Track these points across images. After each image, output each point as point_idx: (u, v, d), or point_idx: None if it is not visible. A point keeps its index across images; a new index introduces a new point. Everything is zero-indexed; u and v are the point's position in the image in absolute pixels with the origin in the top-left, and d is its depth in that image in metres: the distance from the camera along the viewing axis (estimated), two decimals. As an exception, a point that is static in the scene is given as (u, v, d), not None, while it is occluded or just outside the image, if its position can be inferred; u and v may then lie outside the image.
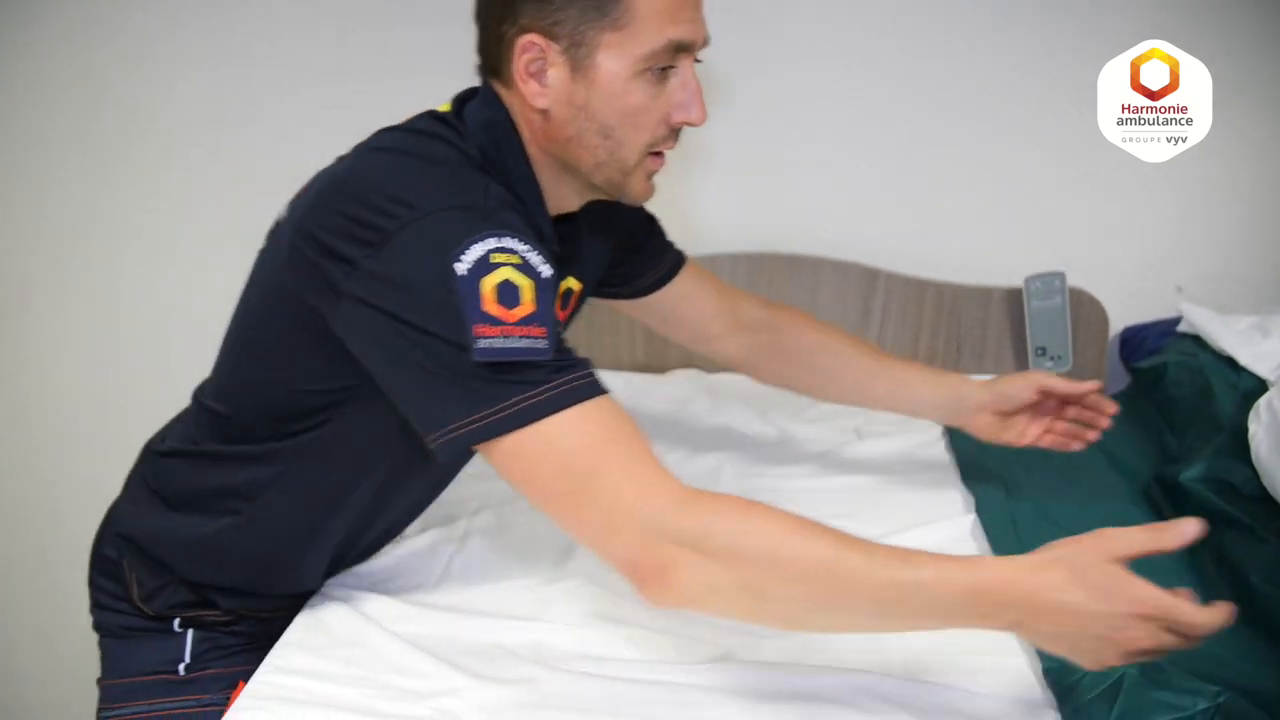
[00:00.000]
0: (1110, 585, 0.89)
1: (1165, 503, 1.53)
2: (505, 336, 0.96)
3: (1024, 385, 1.51)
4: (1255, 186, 2.04)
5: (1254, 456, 1.41)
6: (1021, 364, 2.07)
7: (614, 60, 1.08)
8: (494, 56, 1.13)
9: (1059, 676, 1.09)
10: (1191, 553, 1.35)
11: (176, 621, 1.27)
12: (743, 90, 2.02)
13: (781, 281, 2.08)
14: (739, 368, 1.62)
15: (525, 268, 0.99)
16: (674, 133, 1.15)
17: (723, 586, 0.96)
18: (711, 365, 1.96)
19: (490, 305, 0.97)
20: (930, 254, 2.09)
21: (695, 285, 1.54)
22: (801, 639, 1.18)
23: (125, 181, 2.18)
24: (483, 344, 0.96)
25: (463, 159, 1.11)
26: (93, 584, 1.33)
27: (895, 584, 0.93)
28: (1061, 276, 2.02)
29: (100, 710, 1.29)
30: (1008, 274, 2.06)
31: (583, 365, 1.01)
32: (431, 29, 1.83)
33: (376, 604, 1.26)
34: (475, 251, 0.98)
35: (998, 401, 1.52)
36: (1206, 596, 0.91)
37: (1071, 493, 1.58)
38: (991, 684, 1.11)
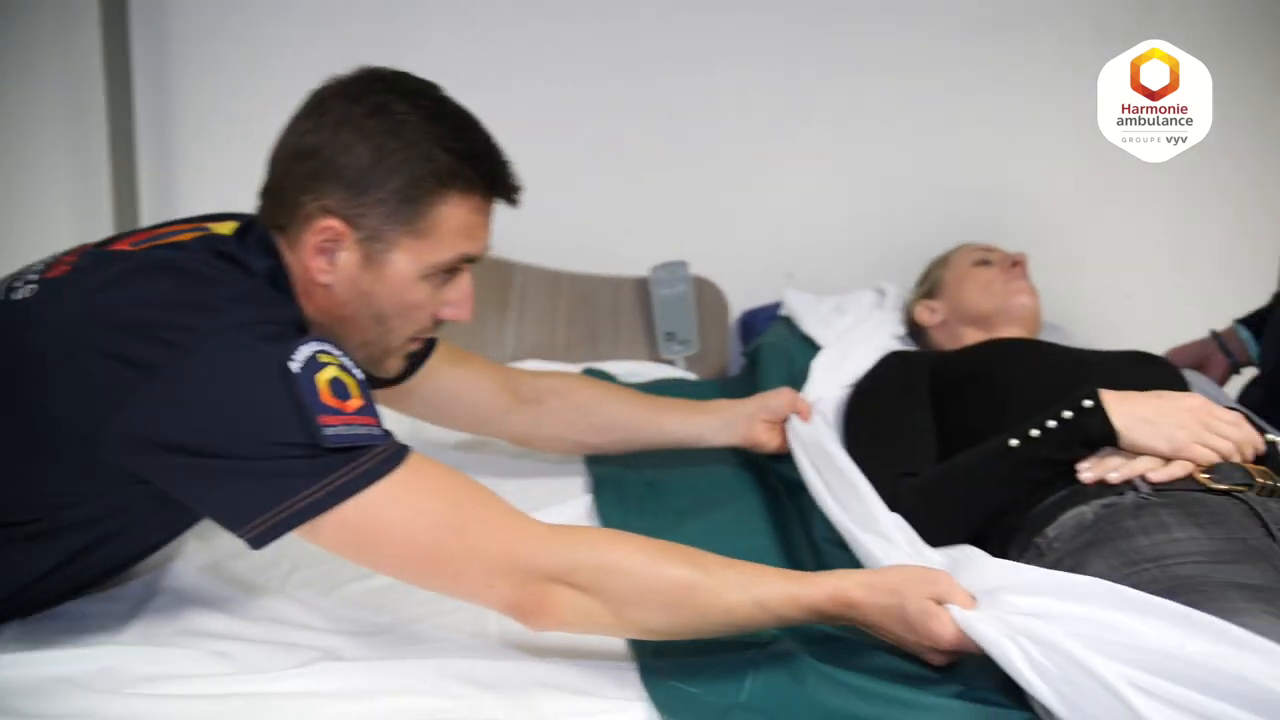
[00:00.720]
0: (922, 622, 1.09)
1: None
2: (347, 425, 1.05)
3: (784, 399, 1.65)
4: (851, 180, 2.28)
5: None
6: (652, 349, 2.18)
7: (407, 262, 1.16)
8: (284, 216, 1.17)
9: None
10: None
11: None
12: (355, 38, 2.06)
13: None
14: (528, 442, 1.64)
15: (348, 367, 1.09)
16: (438, 324, 1.25)
17: (594, 612, 1.08)
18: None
19: (328, 396, 1.04)
20: (563, 246, 2.17)
21: (462, 366, 1.57)
22: (402, 633, 1.21)
23: None
24: (329, 431, 1.03)
25: (262, 278, 1.15)
26: None
27: (743, 605, 1.09)
28: (684, 265, 2.15)
29: None
30: (636, 264, 2.18)
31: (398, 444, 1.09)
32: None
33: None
34: (304, 352, 1.06)
35: (764, 412, 1.63)
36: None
37: (683, 463, 1.69)
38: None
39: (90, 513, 1.14)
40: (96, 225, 2.04)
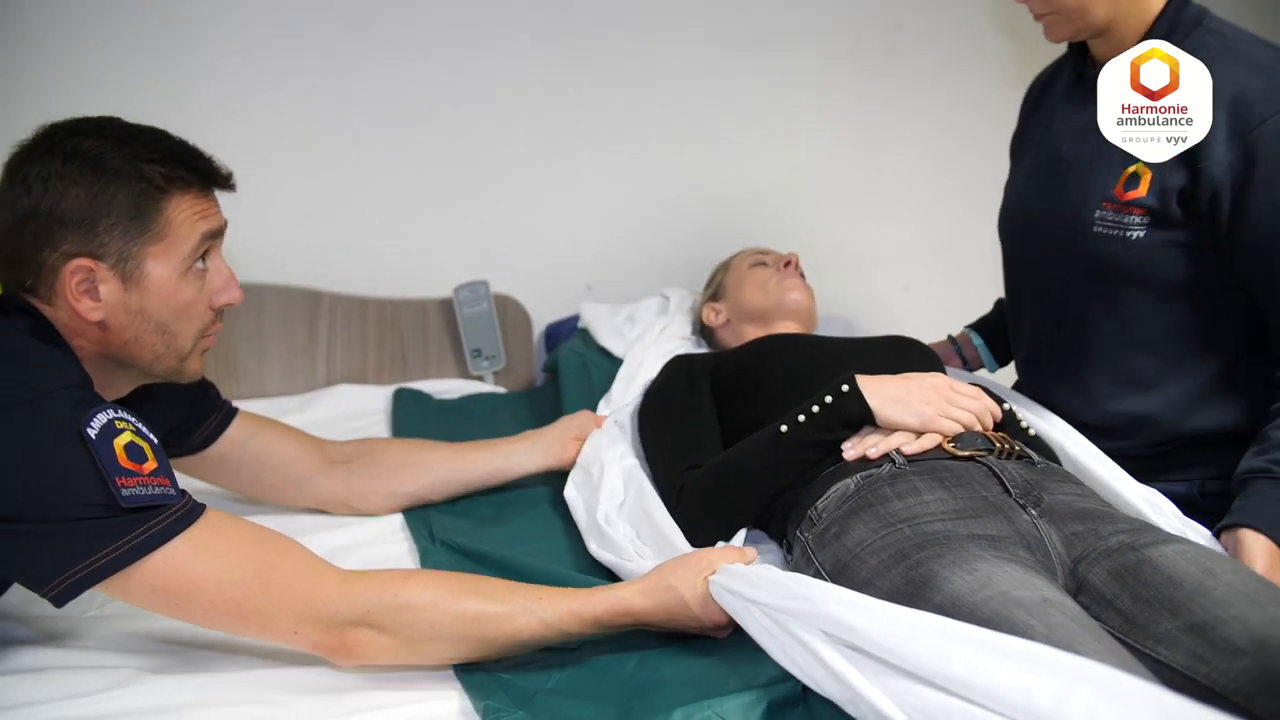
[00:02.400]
0: (701, 605, 1.22)
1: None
2: (143, 486, 1.11)
3: (586, 417, 1.76)
4: (640, 192, 2.40)
5: None
6: (461, 367, 2.26)
7: (163, 266, 1.23)
8: (29, 276, 1.22)
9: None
10: None
11: None
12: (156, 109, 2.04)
13: (226, 310, 2.10)
14: (342, 502, 1.66)
15: (142, 432, 1.15)
16: (218, 315, 1.32)
17: (393, 649, 1.18)
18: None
19: (124, 460, 1.10)
20: (367, 273, 2.22)
21: (268, 430, 1.62)
22: (219, 648, 1.27)
23: None
24: (126, 493, 1.09)
25: (40, 342, 1.20)
26: None
27: (529, 627, 1.20)
28: (486, 284, 2.23)
29: None
30: (440, 285, 2.25)
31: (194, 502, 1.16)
32: None
33: None
34: (100, 419, 1.11)
35: (568, 433, 1.73)
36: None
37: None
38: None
39: None
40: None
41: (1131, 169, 1.49)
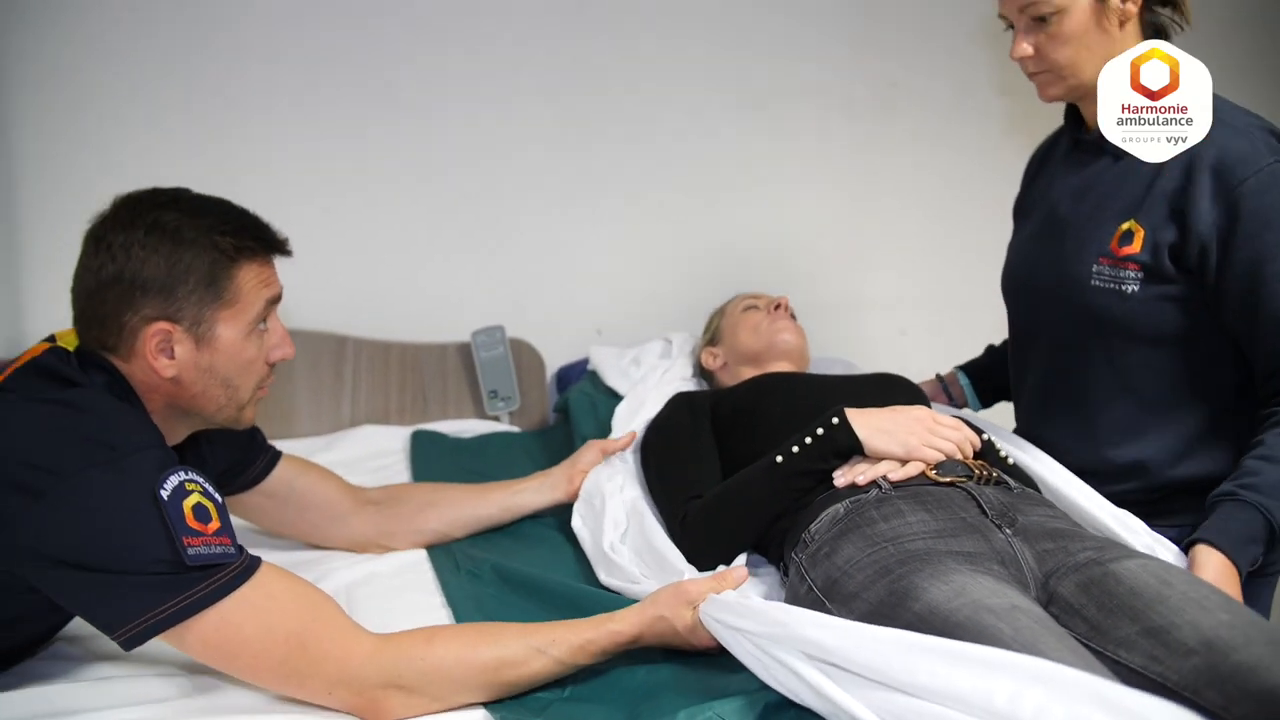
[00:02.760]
0: (690, 631, 1.33)
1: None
2: (206, 545, 1.20)
3: (593, 452, 1.88)
4: (646, 243, 2.53)
5: None
6: (479, 407, 2.38)
7: (231, 329, 1.35)
8: (111, 337, 1.33)
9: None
10: None
11: None
12: (199, 166, 2.17)
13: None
14: (373, 541, 1.77)
15: (210, 494, 1.24)
16: (273, 369, 1.43)
17: (422, 704, 1.27)
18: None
19: (191, 520, 1.20)
20: (391, 319, 2.35)
21: (308, 471, 1.74)
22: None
23: None
24: (191, 552, 1.18)
25: (117, 398, 1.30)
26: None
27: (545, 667, 1.30)
28: (502, 329, 2.35)
29: None
30: (458, 331, 2.38)
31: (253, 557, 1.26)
32: None
33: None
34: (173, 481, 1.21)
35: (576, 468, 1.86)
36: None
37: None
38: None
39: None
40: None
41: (1125, 226, 1.59)
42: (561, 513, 1.86)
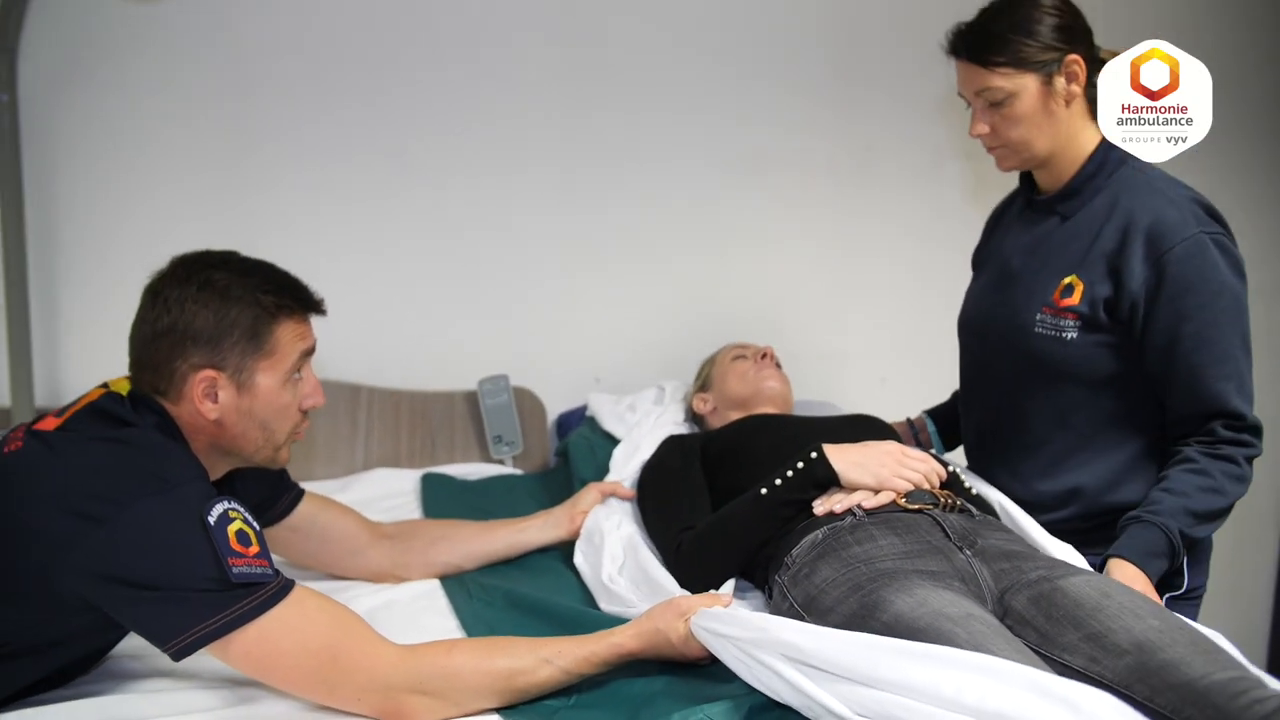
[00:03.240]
0: (683, 643, 1.46)
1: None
2: (249, 565, 1.34)
3: (593, 494, 2.02)
4: (642, 296, 2.69)
5: None
6: (484, 452, 2.52)
7: (270, 377, 1.49)
8: (162, 382, 1.47)
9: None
10: None
11: None
12: (232, 223, 2.32)
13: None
14: (389, 573, 1.90)
15: (249, 521, 1.37)
16: (306, 415, 1.57)
17: (441, 708, 1.39)
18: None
19: (235, 544, 1.34)
20: (401, 369, 2.50)
21: (329, 507, 1.87)
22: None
23: None
24: (236, 570, 1.32)
25: (166, 437, 1.43)
26: None
27: (552, 676, 1.44)
28: (506, 378, 2.50)
29: None
30: (465, 379, 2.53)
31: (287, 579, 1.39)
32: None
33: None
34: (218, 509, 1.35)
35: (577, 508, 2.00)
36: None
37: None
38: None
39: (48, 639, 1.40)
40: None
41: (1067, 280, 1.77)
42: (561, 549, 2.00)
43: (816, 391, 2.59)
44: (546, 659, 1.44)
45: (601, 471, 2.22)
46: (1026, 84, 1.72)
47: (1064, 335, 1.77)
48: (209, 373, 1.46)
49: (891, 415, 2.23)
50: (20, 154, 2.21)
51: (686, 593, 1.66)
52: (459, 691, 1.40)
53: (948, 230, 2.81)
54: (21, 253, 2.24)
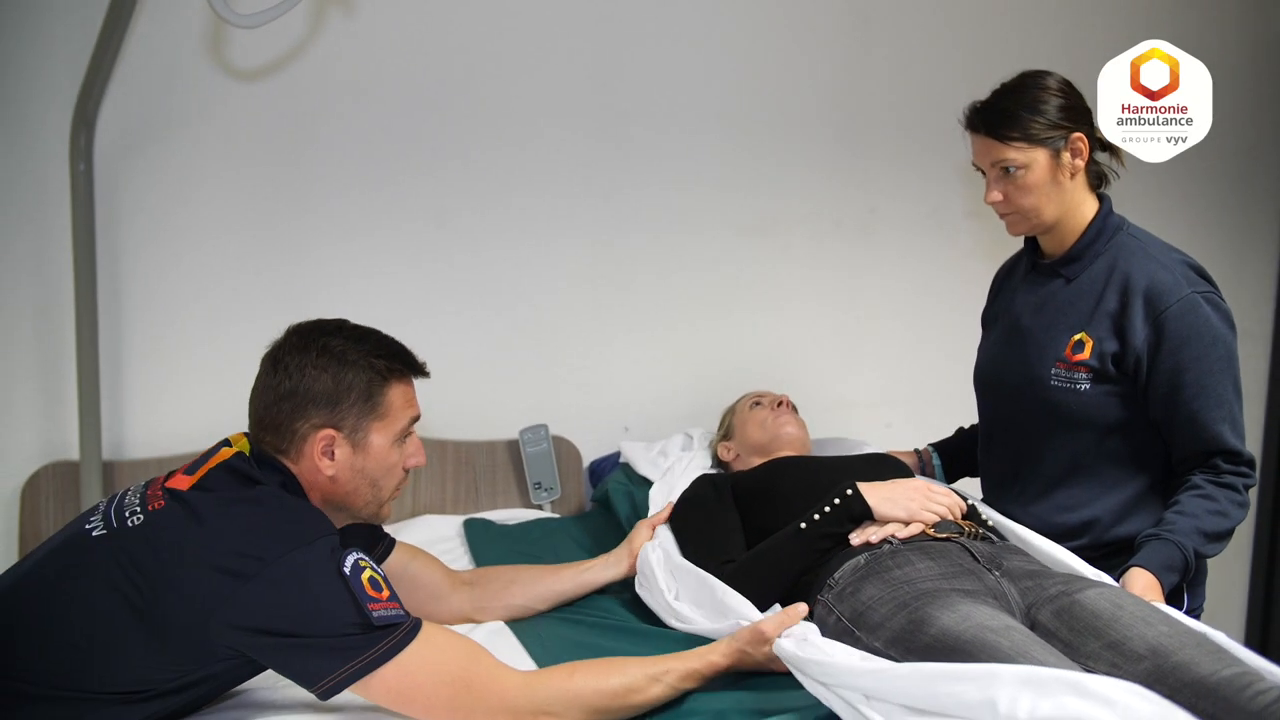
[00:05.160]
0: (767, 659, 1.61)
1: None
2: (385, 609, 1.45)
3: (645, 531, 2.13)
4: (668, 352, 2.86)
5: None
6: (524, 498, 2.67)
7: (381, 437, 1.61)
8: (284, 442, 1.58)
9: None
10: None
11: None
12: (293, 284, 2.48)
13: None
14: (468, 616, 1.99)
15: (376, 568, 1.48)
16: (408, 474, 1.68)
17: None
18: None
19: (369, 590, 1.45)
20: (447, 420, 2.64)
21: (418, 556, 1.97)
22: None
23: None
24: (377, 614, 1.43)
25: (290, 494, 1.55)
26: None
27: (663, 692, 1.57)
28: (545, 428, 2.65)
29: None
30: (506, 429, 2.68)
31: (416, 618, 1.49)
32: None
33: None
34: (350, 560, 1.46)
35: (632, 544, 2.10)
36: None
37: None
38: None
39: (185, 681, 1.48)
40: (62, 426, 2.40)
41: (1077, 337, 1.95)
42: (615, 588, 2.12)
43: (826, 434, 2.74)
44: (655, 677, 1.57)
45: (640, 511, 2.35)
46: (1037, 157, 1.91)
47: (1078, 387, 1.95)
48: (328, 432, 1.57)
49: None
50: (94, 220, 2.32)
51: (749, 606, 1.80)
52: (580, 710, 1.51)
53: (948, 284, 3.04)
54: (93, 313, 2.34)
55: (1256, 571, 3.61)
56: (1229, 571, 3.53)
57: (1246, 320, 1.95)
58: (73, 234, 2.30)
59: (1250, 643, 3.51)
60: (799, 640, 1.61)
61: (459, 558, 2.38)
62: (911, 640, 1.55)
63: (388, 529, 1.96)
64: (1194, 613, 1.95)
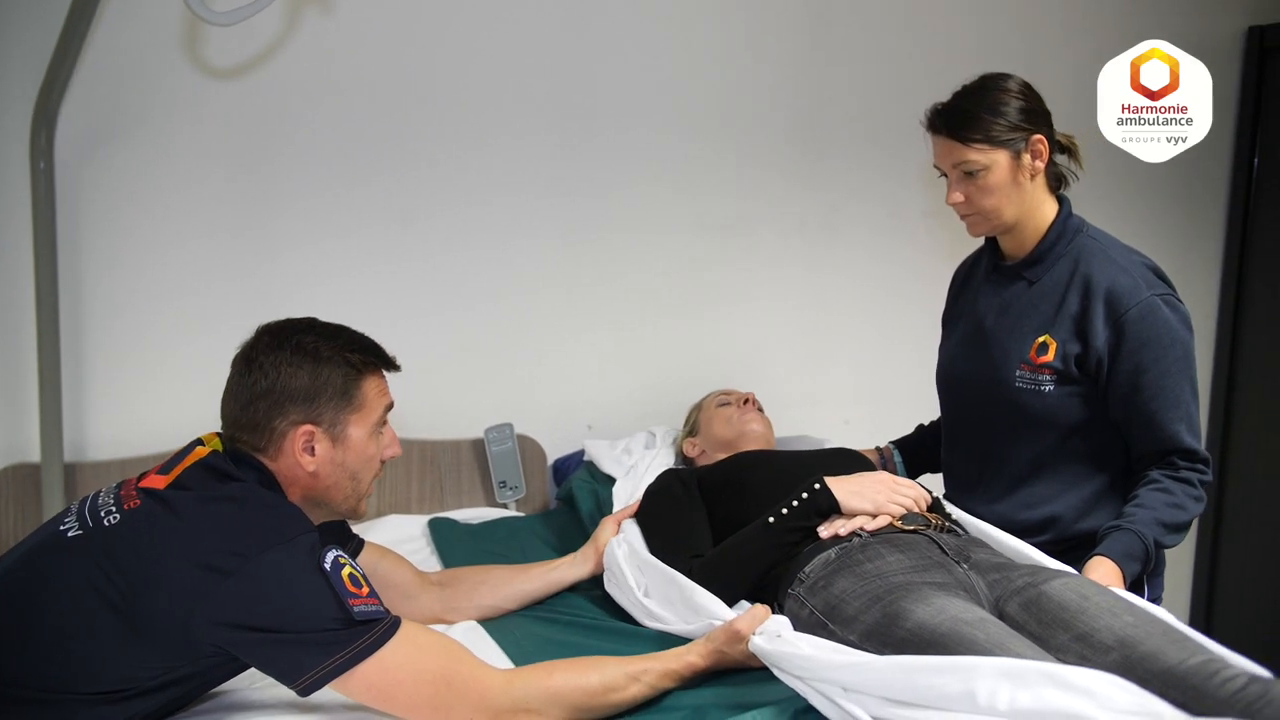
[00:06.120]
0: (744, 657, 1.64)
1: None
2: (365, 604, 1.45)
3: (609, 527, 2.14)
4: (631, 349, 2.87)
5: None
6: (490, 496, 2.67)
7: (360, 430, 1.64)
8: (262, 440, 1.59)
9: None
10: None
11: None
12: (262, 284, 2.46)
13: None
14: (438, 616, 2.00)
15: (355, 565, 1.49)
16: (383, 465, 1.70)
17: None
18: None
19: (350, 586, 1.45)
20: (411, 418, 2.59)
21: (386, 556, 1.98)
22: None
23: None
24: (358, 610, 1.44)
25: (270, 491, 1.56)
26: None
27: (640, 691, 1.59)
28: (510, 426, 2.66)
29: None
30: (471, 428, 2.68)
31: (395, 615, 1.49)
32: None
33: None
34: (330, 556, 1.46)
35: (598, 542, 2.12)
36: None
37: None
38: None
39: (168, 678, 1.47)
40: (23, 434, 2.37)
41: (1041, 339, 1.99)
42: (585, 585, 2.13)
43: (787, 429, 2.76)
44: (634, 676, 1.59)
45: (604, 509, 2.36)
46: (998, 159, 1.94)
47: (1042, 388, 2.00)
48: (308, 428, 1.59)
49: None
50: (55, 218, 2.29)
51: (720, 604, 1.83)
52: (560, 708, 1.54)
53: (908, 283, 3.09)
54: (54, 313, 2.30)
55: (1200, 559, 3.72)
56: (1175, 560, 3.60)
57: (1193, 317, 2.00)
58: (33, 233, 2.27)
59: (1195, 626, 3.60)
60: (772, 636, 1.63)
61: (426, 558, 2.37)
62: (887, 634, 1.58)
63: (353, 528, 1.96)
64: (1153, 602, 2.00)
